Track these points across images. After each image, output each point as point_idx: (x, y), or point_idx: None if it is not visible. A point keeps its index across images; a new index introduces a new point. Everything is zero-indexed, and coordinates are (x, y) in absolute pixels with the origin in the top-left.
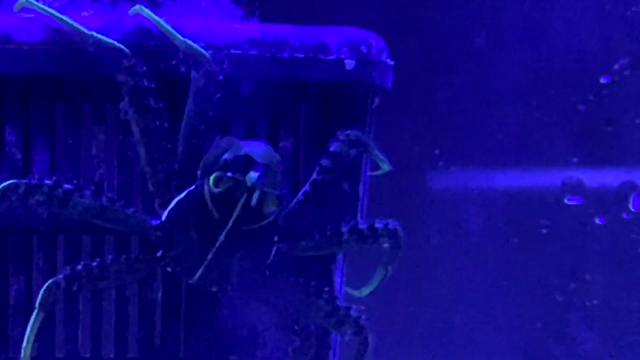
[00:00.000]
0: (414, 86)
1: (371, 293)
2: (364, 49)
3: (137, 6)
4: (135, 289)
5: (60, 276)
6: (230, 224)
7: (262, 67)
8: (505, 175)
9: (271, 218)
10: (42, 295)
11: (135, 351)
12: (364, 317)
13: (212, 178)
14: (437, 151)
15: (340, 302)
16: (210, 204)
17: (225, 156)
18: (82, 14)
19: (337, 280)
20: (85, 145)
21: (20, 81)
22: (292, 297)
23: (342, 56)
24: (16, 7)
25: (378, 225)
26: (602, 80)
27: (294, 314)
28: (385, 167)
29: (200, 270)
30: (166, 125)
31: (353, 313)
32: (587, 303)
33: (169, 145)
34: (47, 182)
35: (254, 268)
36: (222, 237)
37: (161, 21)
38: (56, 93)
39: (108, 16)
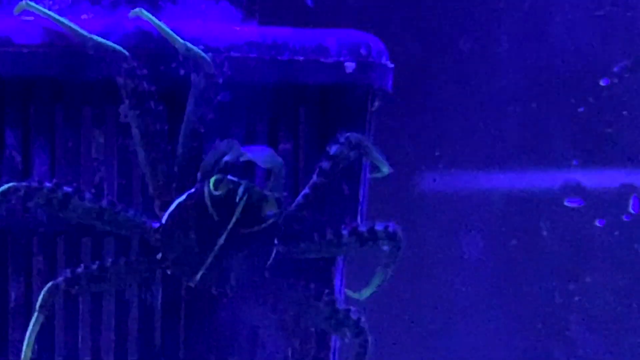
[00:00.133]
0: (413, 88)
1: (371, 295)
2: (363, 51)
3: (137, 9)
4: (135, 291)
5: (60, 279)
6: (230, 226)
7: (261, 69)
8: (505, 177)
9: (271, 220)
10: (42, 297)
11: (135, 353)
12: (363, 319)
13: (212, 180)
14: (437, 153)
15: (339, 305)
16: (210, 207)
17: (225, 159)
18: (82, 16)
19: (336, 282)
20: (85, 148)
21: (20, 84)
22: (292, 299)
23: (342, 59)
24: (16, 9)
25: (378, 227)
26: (602, 83)
27: (293, 316)
28: (385, 169)
29: (200, 273)
30: (166, 127)
31: (353, 315)
32: (587, 305)
33: (169, 148)
34: (47, 184)
35: (254, 270)
36: (222, 240)
37: (161, 24)
38: (56, 96)
39: (108, 19)
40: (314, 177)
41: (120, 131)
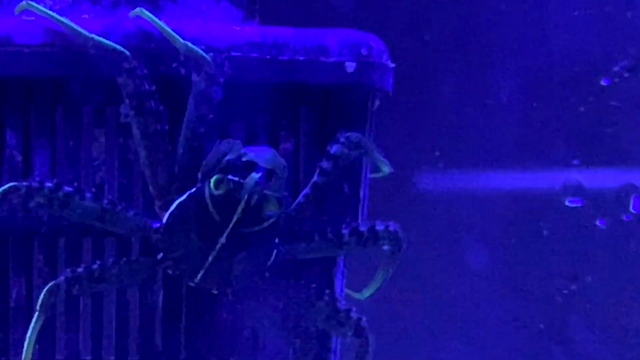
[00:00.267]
0: (414, 88)
1: (371, 295)
2: (364, 51)
3: (138, 9)
4: (135, 291)
5: (61, 279)
6: (231, 226)
7: (262, 69)
8: (506, 176)
9: (272, 220)
10: (43, 298)
11: (135, 353)
12: (364, 319)
13: (212, 180)
14: (437, 153)
15: (340, 304)
16: (211, 207)
17: (226, 158)
18: (83, 16)
19: (337, 282)
20: (86, 148)
21: (20, 84)
22: (293, 299)
23: (343, 58)
24: (17, 9)
25: (379, 227)
26: (603, 82)
27: (294, 316)
28: (386, 169)
29: (201, 273)
30: (167, 127)
31: (354, 315)
32: (588, 305)
33: (170, 148)
34: (48, 184)
35: (255, 270)
36: (222, 240)
37: (162, 24)
38: (56, 95)
39: (108, 19)
40: (315, 176)
41: (120, 131)
